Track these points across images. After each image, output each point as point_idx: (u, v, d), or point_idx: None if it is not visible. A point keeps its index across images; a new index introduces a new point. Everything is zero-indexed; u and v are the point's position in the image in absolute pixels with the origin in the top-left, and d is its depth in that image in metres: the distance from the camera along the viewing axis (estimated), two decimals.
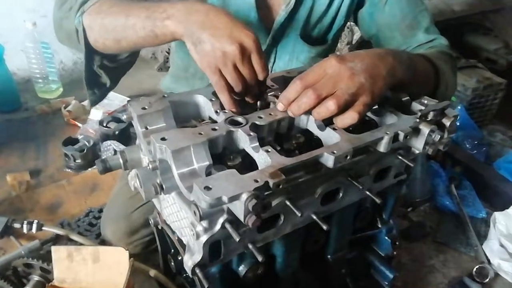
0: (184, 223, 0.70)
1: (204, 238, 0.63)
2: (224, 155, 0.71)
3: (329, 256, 0.92)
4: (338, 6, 1.08)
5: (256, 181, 0.58)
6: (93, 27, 0.86)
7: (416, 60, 0.86)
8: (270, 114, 0.74)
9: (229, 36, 0.69)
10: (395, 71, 0.76)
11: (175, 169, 0.63)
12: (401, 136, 0.72)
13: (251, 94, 0.77)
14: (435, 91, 0.93)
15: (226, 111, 0.75)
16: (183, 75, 1.24)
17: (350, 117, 0.69)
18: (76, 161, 1.70)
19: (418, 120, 0.74)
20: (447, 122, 0.77)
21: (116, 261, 1.01)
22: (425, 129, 0.74)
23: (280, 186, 0.59)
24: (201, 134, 0.67)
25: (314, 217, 0.75)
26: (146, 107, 0.74)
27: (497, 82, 2.00)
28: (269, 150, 0.65)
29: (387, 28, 1.07)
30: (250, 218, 0.56)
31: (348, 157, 0.67)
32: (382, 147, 0.72)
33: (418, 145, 0.76)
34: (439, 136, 0.74)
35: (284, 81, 0.89)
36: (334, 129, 0.71)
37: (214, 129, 0.69)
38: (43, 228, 1.38)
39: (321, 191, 0.74)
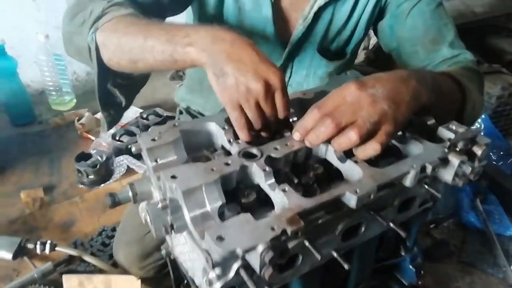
0: (196, 265, 0.66)
1: (217, 286, 0.58)
2: (238, 189, 0.67)
3: None
4: (357, 19, 1.03)
5: (273, 229, 0.53)
6: (107, 46, 0.81)
7: (440, 81, 0.80)
8: (286, 145, 0.70)
9: (255, 72, 0.65)
10: (419, 95, 0.70)
11: (187, 212, 0.59)
12: (429, 169, 0.67)
13: (267, 130, 0.73)
14: (462, 111, 0.87)
15: (240, 141, 0.71)
16: (198, 88, 1.20)
17: (372, 149, 0.64)
18: (89, 177, 1.69)
19: (446, 150, 0.69)
20: (478, 151, 0.71)
21: None
22: (454, 160, 0.68)
23: (299, 234, 0.55)
24: (213, 170, 0.63)
25: (335, 254, 0.70)
26: (156, 138, 0.71)
27: None
28: (286, 189, 0.61)
29: (409, 42, 1.01)
30: (267, 271, 0.52)
31: (372, 196, 0.62)
32: (408, 182, 0.67)
33: (446, 176, 0.71)
34: (470, 168, 0.68)
35: (300, 104, 0.85)
36: (355, 161, 0.67)
37: (227, 164, 0.65)
38: (56, 248, 1.37)
39: (342, 227, 0.69)
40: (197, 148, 0.78)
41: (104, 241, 1.43)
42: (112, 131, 1.93)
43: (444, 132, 0.74)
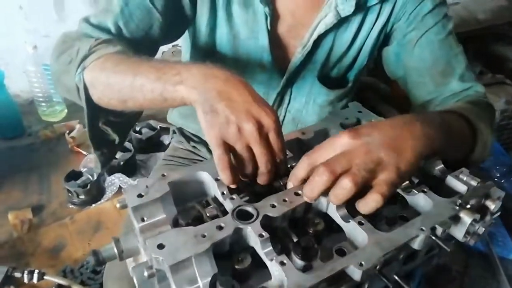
0: None
1: None
2: (232, 251, 0.62)
3: None
4: (360, 46, 0.97)
5: None
6: (96, 85, 0.77)
7: (450, 121, 0.75)
8: (284, 201, 0.64)
9: (247, 111, 0.61)
10: (428, 140, 0.65)
11: None
12: (439, 231, 0.62)
13: (265, 178, 0.67)
14: (471, 152, 0.82)
15: (234, 197, 0.65)
16: (190, 113, 1.15)
17: (373, 200, 0.59)
18: (80, 197, 1.63)
19: (457, 207, 0.63)
20: (491, 206, 0.67)
21: None
22: (466, 218, 0.63)
23: None
24: (205, 236, 0.58)
25: None
26: (143, 194, 0.65)
27: None
28: (285, 262, 0.56)
29: (416, 72, 0.96)
30: None
31: (378, 267, 0.57)
32: (416, 245, 0.62)
33: (457, 234, 0.66)
34: (483, 228, 0.63)
35: (298, 145, 0.80)
36: (360, 222, 0.62)
37: (219, 228, 0.60)
38: (44, 277, 1.31)
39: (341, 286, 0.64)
40: (188, 199, 0.73)
41: (95, 269, 1.37)
42: None
43: (454, 183, 0.69)
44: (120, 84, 0.73)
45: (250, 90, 0.64)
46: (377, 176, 0.60)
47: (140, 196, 0.65)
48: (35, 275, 1.30)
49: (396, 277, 0.69)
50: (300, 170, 0.65)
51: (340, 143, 0.62)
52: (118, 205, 0.67)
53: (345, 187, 0.58)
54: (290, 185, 0.66)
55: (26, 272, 1.31)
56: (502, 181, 1.61)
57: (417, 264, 0.77)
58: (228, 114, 0.61)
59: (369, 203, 0.59)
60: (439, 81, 0.93)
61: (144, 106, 0.75)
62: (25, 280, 1.30)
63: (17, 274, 1.32)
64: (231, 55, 0.96)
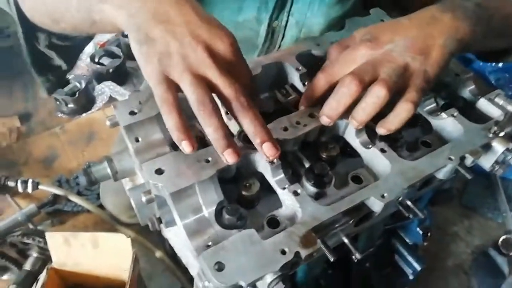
0: (190, 261, 0.58)
1: None
2: (239, 177, 0.56)
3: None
4: None
5: (284, 252, 0.44)
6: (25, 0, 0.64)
7: (489, 5, 0.63)
8: (297, 123, 0.57)
9: (193, 35, 0.48)
10: (457, 34, 0.56)
11: (178, 218, 0.49)
12: (469, 161, 0.56)
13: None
14: None
15: None
16: None
17: (404, 110, 0.53)
18: (69, 105, 1.53)
19: (491, 135, 0.57)
20: None
21: (117, 247, 0.92)
22: (499, 146, 0.57)
23: (314, 255, 0.46)
24: (209, 161, 0.52)
25: (346, 240, 0.62)
26: (136, 111, 0.57)
27: None
28: (299, 191, 0.50)
29: None
30: None
31: (401, 198, 0.52)
32: (442, 175, 0.56)
33: (485, 163, 0.60)
34: None
35: (310, 61, 0.69)
36: (382, 150, 0.55)
37: None
38: (39, 187, 1.29)
39: (357, 217, 0.60)
40: (188, 117, 0.65)
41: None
42: (90, 50, 1.72)
43: (487, 107, 0.62)
44: (48, 1, 0.59)
45: (194, 7, 0.50)
46: (407, 83, 0.54)
47: (132, 113, 0.57)
48: (29, 185, 1.28)
49: (409, 202, 0.65)
50: (316, 88, 0.58)
51: (359, 54, 0.56)
52: (108, 123, 0.59)
53: (379, 94, 0.51)
54: (302, 108, 0.59)
55: (19, 181, 1.28)
56: None
57: (430, 189, 0.73)
58: (168, 40, 0.48)
59: (401, 114, 0.53)
60: None
61: (78, 30, 0.62)
62: (20, 189, 1.28)
63: (11, 183, 1.29)
64: None
